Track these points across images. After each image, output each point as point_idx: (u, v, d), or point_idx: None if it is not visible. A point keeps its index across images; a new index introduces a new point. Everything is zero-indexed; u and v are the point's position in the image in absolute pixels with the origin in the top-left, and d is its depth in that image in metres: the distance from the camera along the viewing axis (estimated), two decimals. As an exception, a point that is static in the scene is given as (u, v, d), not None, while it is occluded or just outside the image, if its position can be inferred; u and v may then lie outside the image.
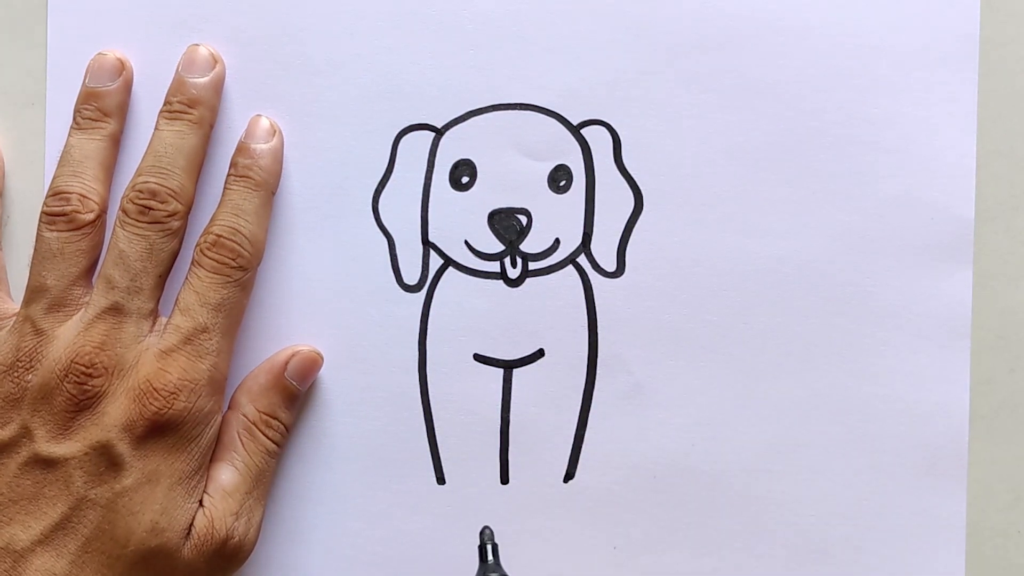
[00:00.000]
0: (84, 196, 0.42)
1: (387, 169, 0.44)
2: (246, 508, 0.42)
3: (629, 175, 0.44)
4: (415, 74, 0.44)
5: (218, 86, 0.43)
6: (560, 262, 0.44)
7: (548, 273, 0.44)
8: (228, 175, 0.43)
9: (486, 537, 0.40)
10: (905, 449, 0.44)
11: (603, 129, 0.44)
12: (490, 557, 0.40)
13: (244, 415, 0.42)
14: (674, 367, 0.44)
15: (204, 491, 0.41)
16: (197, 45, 0.44)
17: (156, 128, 0.42)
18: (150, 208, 0.41)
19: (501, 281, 0.44)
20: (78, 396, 0.40)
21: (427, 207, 0.44)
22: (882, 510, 0.44)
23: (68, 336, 0.40)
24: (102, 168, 0.43)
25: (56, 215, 0.41)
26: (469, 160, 0.44)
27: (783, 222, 0.44)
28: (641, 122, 0.44)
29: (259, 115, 0.44)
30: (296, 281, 0.44)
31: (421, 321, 0.44)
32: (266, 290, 0.44)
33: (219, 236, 0.41)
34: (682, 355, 0.44)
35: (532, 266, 0.44)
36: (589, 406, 0.44)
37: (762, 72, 0.44)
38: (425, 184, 0.44)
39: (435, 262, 0.44)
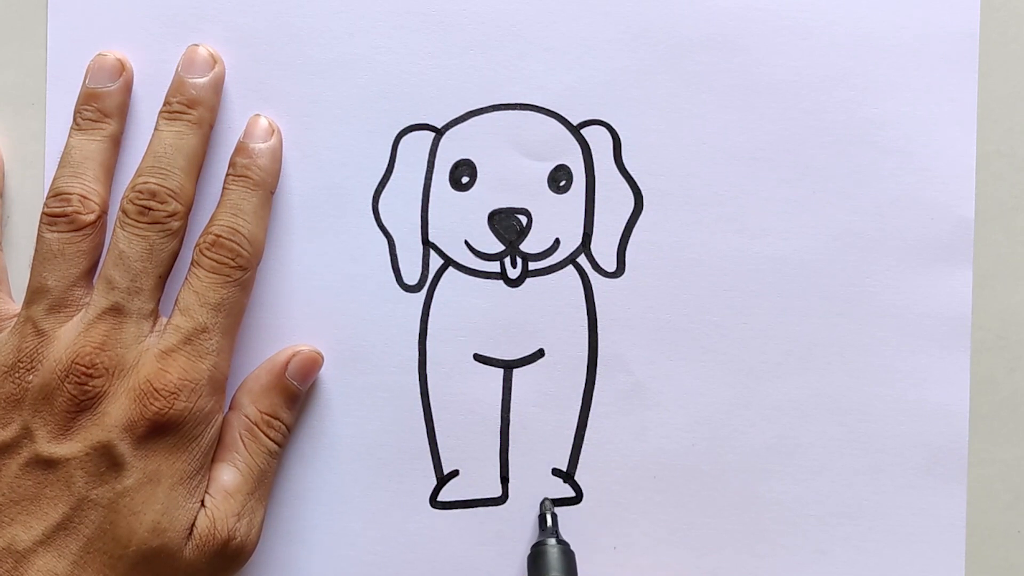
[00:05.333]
0: (85, 197, 0.42)
1: (387, 169, 0.44)
2: (248, 509, 0.42)
3: (629, 175, 0.44)
4: (415, 74, 0.44)
5: (218, 86, 0.43)
6: (560, 262, 0.44)
7: (548, 273, 0.44)
8: (227, 175, 0.43)
9: (546, 507, 0.43)
10: (905, 449, 0.44)
11: (603, 129, 0.44)
12: (549, 523, 0.43)
13: (245, 415, 0.42)
14: (674, 367, 0.44)
15: (206, 491, 0.41)
16: (197, 45, 0.44)
17: (156, 128, 0.42)
18: (150, 208, 0.41)
19: (501, 281, 0.44)
20: (79, 396, 0.40)
21: (427, 207, 0.44)
22: (882, 510, 0.44)
23: (69, 337, 0.40)
24: (102, 169, 0.43)
25: (57, 216, 0.41)
26: (469, 160, 0.44)
27: (783, 222, 0.44)
28: (641, 122, 0.44)
29: (258, 115, 0.44)
30: (296, 281, 0.44)
31: (421, 321, 0.44)
32: (266, 290, 0.44)
33: (218, 236, 0.41)
34: (682, 355, 0.44)
35: (532, 266, 0.44)
36: (589, 406, 0.44)
37: (762, 72, 0.44)
38: (425, 184, 0.44)
39: (435, 262, 0.44)
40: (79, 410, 0.40)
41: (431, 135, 0.44)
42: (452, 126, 0.44)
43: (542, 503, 0.43)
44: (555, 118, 0.44)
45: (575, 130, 0.44)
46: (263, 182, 0.43)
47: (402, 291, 0.44)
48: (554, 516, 0.43)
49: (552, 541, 0.42)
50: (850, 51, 0.44)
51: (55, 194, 0.42)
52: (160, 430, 0.40)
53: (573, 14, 0.44)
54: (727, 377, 0.44)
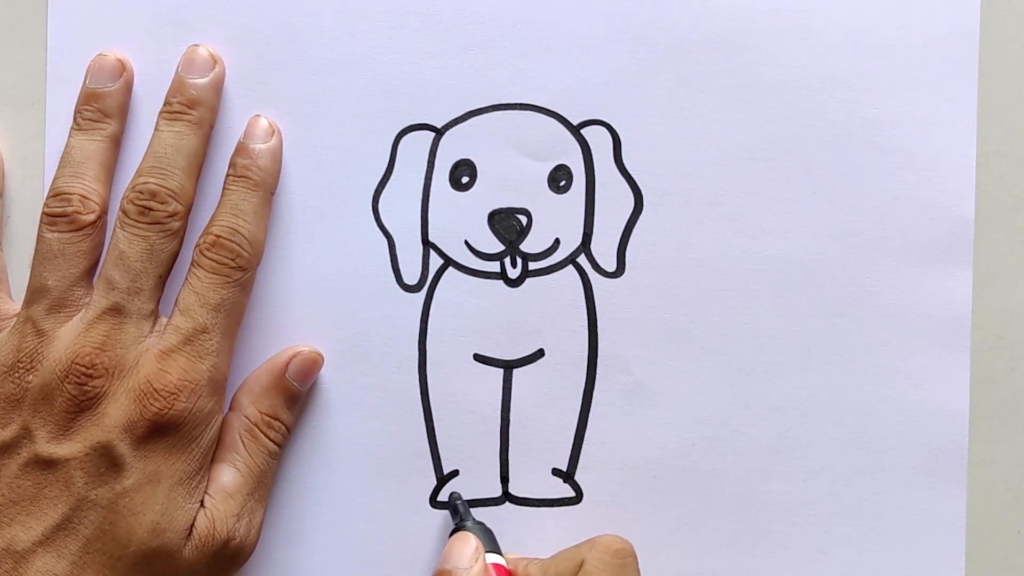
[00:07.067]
0: (85, 197, 0.42)
1: (387, 169, 0.44)
2: (247, 509, 0.42)
3: (629, 175, 0.44)
4: (415, 74, 0.44)
5: (218, 86, 0.43)
6: (560, 262, 0.44)
7: (548, 273, 0.44)
8: (227, 175, 0.43)
9: (455, 497, 0.43)
10: (905, 449, 0.44)
11: (603, 129, 0.44)
12: (460, 510, 0.43)
13: (246, 416, 0.42)
14: (674, 367, 0.44)
15: (205, 492, 0.41)
16: (197, 45, 0.44)
17: (156, 129, 0.42)
18: (150, 209, 0.41)
19: (501, 281, 0.44)
20: (78, 397, 0.40)
21: (427, 207, 0.44)
22: (882, 510, 0.44)
23: (69, 337, 0.40)
24: (103, 169, 0.43)
25: (57, 216, 0.41)
26: (469, 160, 0.44)
27: (783, 222, 0.44)
28: (641, 122, 0.44)
29: (258, 115, 0.44)
30: (296, 281, 0.44)
31: (421, 321, 0.44)
32: (266, 290, 0.44)
33: (218, 236, 0.41)
34: (682, 355, 0.44)
35: (532, 266, 0.44)
36: (589, 406, 0.44)
37: (762, 72, 0.44)
38: (425, 184, 0.44)
39: (435, 262, 0.44)
40: (79, 410, 0.40)
41: (431, 135, 0.44)
42: (452, 126, 0.44)
43: (451, 495, 0.43)
44: (555, 118, 0.44)
45: (575, 130, 0.44)
46: (263, 182, 0.43)
47: (402, 291, 0.44)
48: (464, 504, 0.43)
49: (469, 523, 0.42)
50: (850, 51, 0.44)
51: (55, 194, 0.42)
52: (160, 430, 0.40)
53: (573, 14, 0.44)
54: (727, 377, 0.44)
